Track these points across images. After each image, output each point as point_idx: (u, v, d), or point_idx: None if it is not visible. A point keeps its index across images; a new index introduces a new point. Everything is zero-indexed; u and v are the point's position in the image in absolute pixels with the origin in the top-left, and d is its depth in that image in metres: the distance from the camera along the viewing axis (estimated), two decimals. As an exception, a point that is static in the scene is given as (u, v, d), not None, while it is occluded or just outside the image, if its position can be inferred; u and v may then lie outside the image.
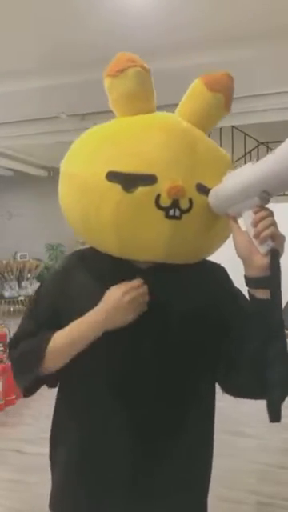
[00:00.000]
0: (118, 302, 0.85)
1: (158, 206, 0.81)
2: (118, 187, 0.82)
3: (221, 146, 0.95)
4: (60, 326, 0.92)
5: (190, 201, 0.82)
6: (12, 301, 8.17)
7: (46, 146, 6.93)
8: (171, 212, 0.81)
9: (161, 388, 0.90)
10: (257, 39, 3.34)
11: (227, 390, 0.92)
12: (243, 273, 0.82)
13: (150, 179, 0.81)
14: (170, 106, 0.98)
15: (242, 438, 3.09)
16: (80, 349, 0.89)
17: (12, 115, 5.12)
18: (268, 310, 0.77)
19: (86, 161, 0.88)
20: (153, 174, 0.81)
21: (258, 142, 6.88)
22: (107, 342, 0.88)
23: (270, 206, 0.77)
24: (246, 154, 6.67)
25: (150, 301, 0.88)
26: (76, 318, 0.90)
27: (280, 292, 0.76)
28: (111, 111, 0.96)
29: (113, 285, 0.89)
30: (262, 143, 6.93)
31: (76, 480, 0.94)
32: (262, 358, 0.77)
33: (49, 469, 1.03)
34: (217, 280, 0.98)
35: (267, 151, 6.90)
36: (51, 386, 0.98)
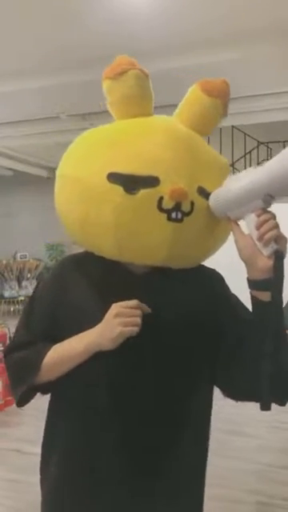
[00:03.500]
0: (108, 323, 0.82)
1: (160, 209, 0.80)
2: (119, 189, 0.81)
3: (221, 145, 0.97)
4: (57, 335, 0.90)
5: (192, 204, 0.82)
6: (12, 301, 8.17)
7: (46, 146, 6.94)
8: (173, 215, 0.81)
9: (158, 392, 0.88)
10: (257, 39, 3.34)
11: (230, 393, 0.91)
12: (237, 275, 0.83)
13: (152, 181, 0.80)
14: (171, 107, 0.99)
15: (242, 438, 3.09)
16: (73, 365, 0.88)
17: (12, 115, 5.12)
18: (270, 311, 0.79)
19: (86, 162, 0.86)
20: (155, 176, 0.81)
21: (258, 141, 6.88)
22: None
23: (273, 205, 0.79)
24: (246, 154, 6.67)
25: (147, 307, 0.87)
26: (75, 328, 0.88)
27: (281, 293, 0.78)
28: (111, 112, 0.96)
29: (109, 292, 0.88)
30: (262, 143, 6.93)
31: (67, 490, 0.92)
32: (261, 356, 0.79)
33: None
34: (213, 286, 0.97)
35: (267, 151, 6.91)
36: (43, 392, 0.97)
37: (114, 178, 0.81)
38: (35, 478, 1.01)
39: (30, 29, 3.25)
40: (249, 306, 0.88)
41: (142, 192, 0.80)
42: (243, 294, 0.89)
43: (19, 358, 0.93)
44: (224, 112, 0.95)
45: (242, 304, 0.94)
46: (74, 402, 0.92)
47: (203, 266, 0.97)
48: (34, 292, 1.00)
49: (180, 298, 0.91)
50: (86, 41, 3.40)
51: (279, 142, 6.50)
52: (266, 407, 0.79)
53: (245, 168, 0.86)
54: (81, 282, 0.93)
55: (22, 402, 0.94)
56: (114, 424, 0.88)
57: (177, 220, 0.81)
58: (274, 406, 0.82)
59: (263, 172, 0.75)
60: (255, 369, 0.80)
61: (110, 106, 0.93)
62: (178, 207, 0.81)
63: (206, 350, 0.91)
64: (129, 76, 0.87)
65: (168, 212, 0.81)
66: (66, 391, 0.92)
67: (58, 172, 0.93)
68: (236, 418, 3.27)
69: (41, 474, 0.99)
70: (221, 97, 0.93)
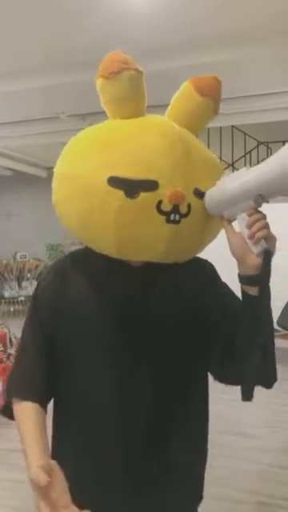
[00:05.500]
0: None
1: (160, 211, 0.84)
2: (119, 193, 0.83)
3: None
4: (60, 327, 0.95)
5: (189, 206, 0.86)
6: (12, 301, 8.18)
7: (46, 146, 6.94)
8: (172, 217, 0.84)
9: (156, 380, 0.93)
10: (257, 39, 3.34)
11: (221, 378, 0.97)
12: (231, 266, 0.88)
13: (152, 185, 0.84)
14: (167, 107, 0.99)
15: (242, 438, 3.09)
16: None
17: (12, 115, 5.13)
18: (258, 304, 0.85)
19: (86, 163, 0.88)
20: (155, 180, 0.84)
21: (258, 141, 6.88)
22: (101, 338, 0.93)
23: (270, 205, 0.83)
24: (245, 154, 6.68)
25: (143, 298, 0.94)
26: (75, 324, 0.94)
27: (269, 289, 0.84)
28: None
29: (108, 286, 0.95)
30: (262, 143, 6.94)
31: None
32: (252, 347, 0.84)
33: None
34: (206, 276, 1.03)
35: (267, 151, 6.91)
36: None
37: (114, 182, 0.84)
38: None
39: (31, 29, 3.25)
40: (238, 292, 0.93)
41: (142, 195, 0.83)
42: (232, 276, 0.93)
43: (17, 375, 0.99)
44: (215, 110, 0.96)
45: (233, 293, 1.00)
46: (77, 401, 0.96)
47: (196, 256, 1.02)
48: (36, 289, 1.03)
49: (175, 288, 0.97)
50: (86, 41, 3.40)
51: (279, 141, 6.50)
52: (247, 397, 0.85)
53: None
54: (80, 280, 0.97)
55: (5, 412, 1.00)
56: (111, 418, 0.92)
57: (175, 222, 0.85)
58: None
59: (254, 174, 0.79)
60: (245, 356, 0.86)
61: (103, 105, 0.95)
62: (176, 209, 0.84)
63: (202, 337, 0.96)
64: (122, 77, 0.87)
65: (167, 214, 0.84)
66: (65, 395, 0.97)
67: (55, 170, 0.94)
68: (236, 418, 3.28)
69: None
70: (213, 95, 0.94)
